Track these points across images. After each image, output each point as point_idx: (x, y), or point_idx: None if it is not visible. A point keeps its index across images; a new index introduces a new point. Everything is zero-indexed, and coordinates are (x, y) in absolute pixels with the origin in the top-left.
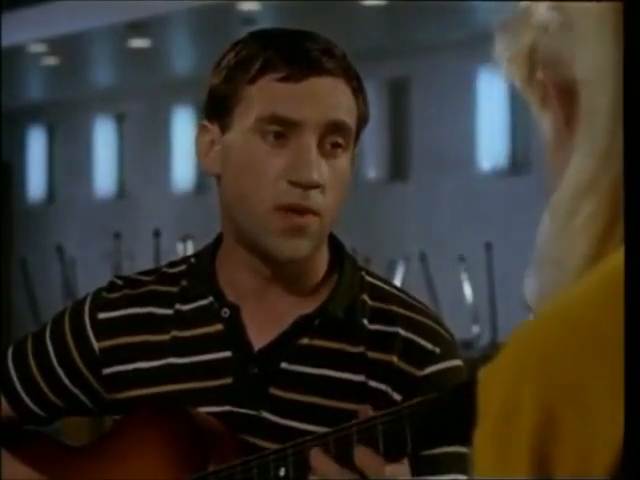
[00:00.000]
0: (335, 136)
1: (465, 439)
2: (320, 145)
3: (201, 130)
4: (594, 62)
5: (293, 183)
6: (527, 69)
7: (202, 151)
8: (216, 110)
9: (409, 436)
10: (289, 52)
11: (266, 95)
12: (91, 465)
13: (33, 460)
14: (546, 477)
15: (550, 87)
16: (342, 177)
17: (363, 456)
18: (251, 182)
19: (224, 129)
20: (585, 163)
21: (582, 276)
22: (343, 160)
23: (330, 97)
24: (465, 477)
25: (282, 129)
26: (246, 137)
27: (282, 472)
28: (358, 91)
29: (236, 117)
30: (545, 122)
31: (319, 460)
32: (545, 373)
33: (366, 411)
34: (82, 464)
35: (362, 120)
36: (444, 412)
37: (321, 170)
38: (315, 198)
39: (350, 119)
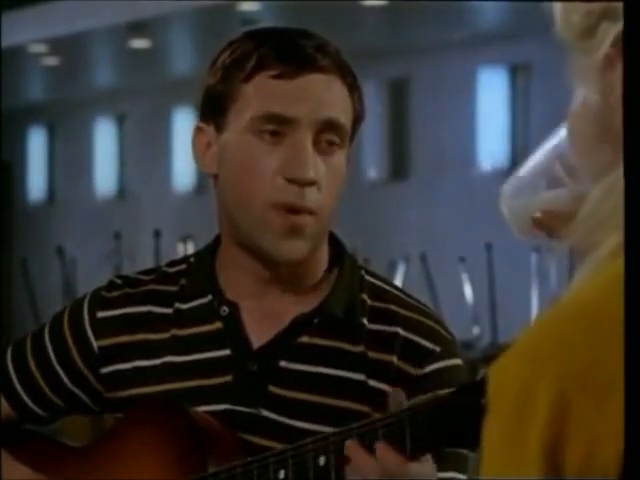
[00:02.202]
0: (330, 133)
1: (464, 443)
2: (316, 142)
3: (197, 132)
4: None
5: (289, 180)
6: (589, 29)
7: (199, 153)
8: (212, 111)
9: (408, 440)
10: (283, 49)
11: (261, 93)
12: (90, 465)
13: (33, 460)
14: (557, 466)
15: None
16: (338, 174)
17: (382, 452)
18: (248, 180)
19: (220, 129)
20: None
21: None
22: (339, 157)
23: (325, 94)
24: (464, 476)
25: (277, 127)
26: (242, 136)
27: (281, 475)
28: (353, 88)
29: (232, 117)
30: (588, 90)
31: (356, 453)
32: (561, 363)
33: (397, 392)
34: (81, 464)
35: (357, 117)
36: (444, 417)
37: (317, 167)
38: (311, 196)
39: (345, 116)
